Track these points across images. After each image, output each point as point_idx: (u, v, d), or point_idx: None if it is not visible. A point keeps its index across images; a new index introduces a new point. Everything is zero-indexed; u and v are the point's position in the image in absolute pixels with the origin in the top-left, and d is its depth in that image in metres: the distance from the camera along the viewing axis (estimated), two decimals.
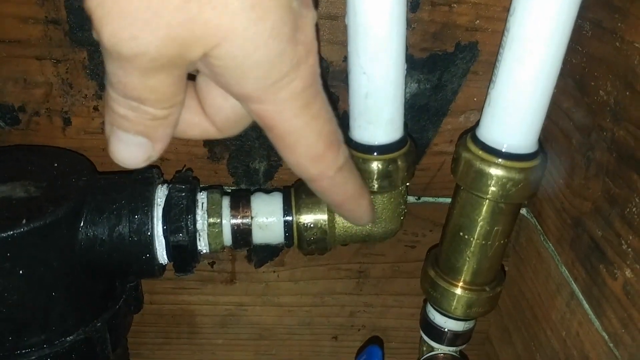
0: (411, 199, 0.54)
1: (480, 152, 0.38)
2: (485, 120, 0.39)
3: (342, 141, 0.33)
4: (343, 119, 0.44)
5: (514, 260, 0.54)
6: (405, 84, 0.46)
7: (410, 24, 0.44)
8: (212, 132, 0.32)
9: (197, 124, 0.32)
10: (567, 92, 0.44)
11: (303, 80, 0.28)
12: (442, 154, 0.51)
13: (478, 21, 0.45)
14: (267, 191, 0.45)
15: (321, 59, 0.46)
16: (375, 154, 0.41)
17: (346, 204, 0.37)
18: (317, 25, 0.29)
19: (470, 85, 0.48)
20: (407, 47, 0.43)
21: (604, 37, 0.39)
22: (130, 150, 0.29)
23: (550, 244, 0.47)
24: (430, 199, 0.54)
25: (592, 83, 0.41)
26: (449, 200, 0.46)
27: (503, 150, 0.38)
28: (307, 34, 0.28)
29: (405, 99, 0.46)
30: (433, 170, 0.52)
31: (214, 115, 0.32)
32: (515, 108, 0.37)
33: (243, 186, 0.53)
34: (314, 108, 0.29)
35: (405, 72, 0.40)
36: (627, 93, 0.36)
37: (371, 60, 0.37)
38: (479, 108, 0.49)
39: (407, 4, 0.40)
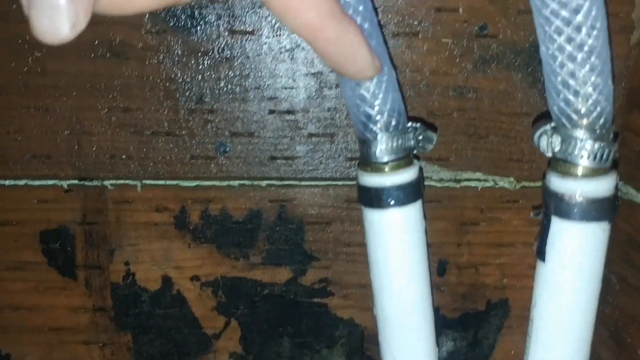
0: None
1: None
2: None
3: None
4: None
5: None
6: (441, 342, 0.47)
7: (439, 287, 0.46)
8: None
9: None
10: (603, 342, 0.43)
11: None
12: None
13: (505, 280, 0.46)
14: None
15: (356, 325, 0.47)
16: None
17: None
18: None
19: (506, 339, 0.48)
20: (439, 308, 0.44)
21: (632, 294, 0.39)
22: (48, 18, 0.23)
23: None
24: None
25: (629, 340, 0.40)
26: None
27: None
28: None
29: (442, 357, 0.46)
30: None
31: None
32: None
33: None
34: None
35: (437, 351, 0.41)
36: None
37: (400, 349, 0.38)
38: None
39: (433, 272, 0.41)
